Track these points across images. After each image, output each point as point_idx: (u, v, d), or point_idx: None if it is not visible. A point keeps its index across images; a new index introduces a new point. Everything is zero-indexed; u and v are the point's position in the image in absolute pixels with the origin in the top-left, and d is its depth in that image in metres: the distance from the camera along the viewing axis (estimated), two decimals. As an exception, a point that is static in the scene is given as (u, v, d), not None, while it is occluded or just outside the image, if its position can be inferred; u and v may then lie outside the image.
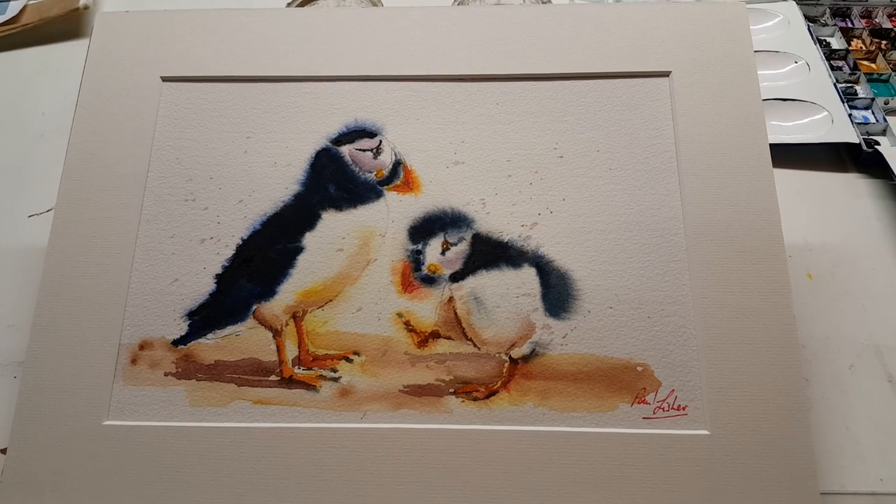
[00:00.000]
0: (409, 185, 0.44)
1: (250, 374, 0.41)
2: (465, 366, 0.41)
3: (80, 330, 0.41)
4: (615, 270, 0.42)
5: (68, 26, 0.72)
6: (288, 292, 0.42)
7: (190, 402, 0.41)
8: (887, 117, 0.62)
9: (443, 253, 0.43)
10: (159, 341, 0.42)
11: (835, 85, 0.63)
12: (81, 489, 0.39)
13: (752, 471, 0.38)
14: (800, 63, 0.65)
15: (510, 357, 0.41)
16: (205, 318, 0.42)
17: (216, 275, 0.43)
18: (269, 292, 0.42)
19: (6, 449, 0.40)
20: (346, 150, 0.45)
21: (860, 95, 0.64)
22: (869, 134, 0.61)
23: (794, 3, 0.70)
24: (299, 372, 0.41)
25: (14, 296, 0.52)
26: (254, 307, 0.42)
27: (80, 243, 0.43)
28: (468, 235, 0.43)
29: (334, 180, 0.44)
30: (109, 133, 0.45)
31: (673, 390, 0.40)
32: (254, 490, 0.39)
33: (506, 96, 0.46)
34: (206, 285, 0.43)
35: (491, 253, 0.43)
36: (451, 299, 0.42)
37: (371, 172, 0.44)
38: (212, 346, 0.42)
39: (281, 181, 0.44)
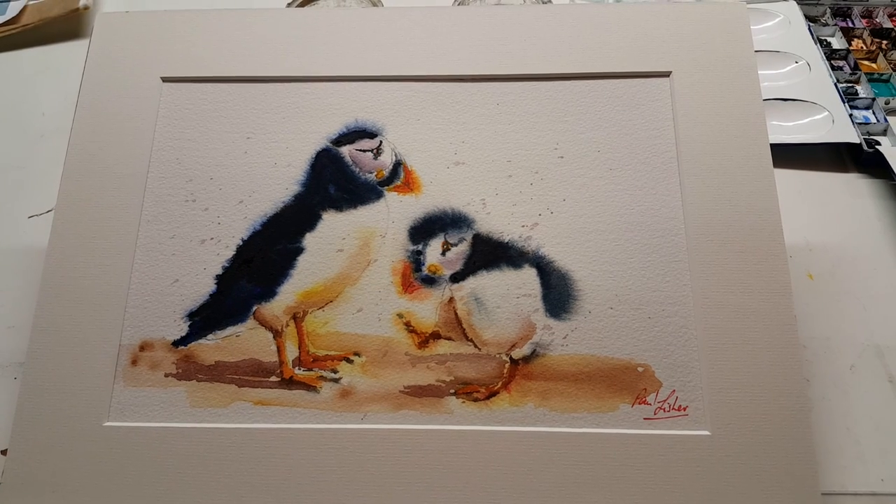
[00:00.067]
0: (409, 186, 0.44)
1: (251, 374, 0.41)
2: (465, 366, 0.41)
3: (80, 331, 0.41)
4: (616, 271, 0.42)
5: (68, 27, 0.72)
6: (288, 293, 0.42)
7: (190, 403, 0.41)
8: (888, 117, 0.62)
9: (443, 253, 0.43)
10: (160, 342, 0.42)
11: (835, 85, 0.63)
12: (82, 490, 0.39)
13: (753, 471, 0.38)
14: (800, 63, 0.65)
15: (511, 358, 0.41)
16: (205, 319, 0.42)
17: (216, 275, 0.43)
18: (269, 293, 0.42)
19: (6, 450, 0.40)
20: (346, 150, 0.45)
21: (861, 95, 0.64)
22: (869, 134, 0.60)
23: (794, 2, 0.70)
24: (300, 373, 0.41)
25: (14, 297, 0.52)
26: (254, 308, 0.42)
27: (80, 244, 0.43)
28: (468, 236, 0.43)
29: (334, 181, 0.44)
30: (109, 133, 0.45)
31: (674, 391, 0.40)
32: (254, 491, 0.39)
33: (506, 96, 0.46)
34: (207, 286, 0.43)
35: (491, 253, 0.43)
36: (451, 300, 0.42)
37: (371, 173, 0.44)
38: (212, 347, 0.42)
39: (281, 182, 0.44)
